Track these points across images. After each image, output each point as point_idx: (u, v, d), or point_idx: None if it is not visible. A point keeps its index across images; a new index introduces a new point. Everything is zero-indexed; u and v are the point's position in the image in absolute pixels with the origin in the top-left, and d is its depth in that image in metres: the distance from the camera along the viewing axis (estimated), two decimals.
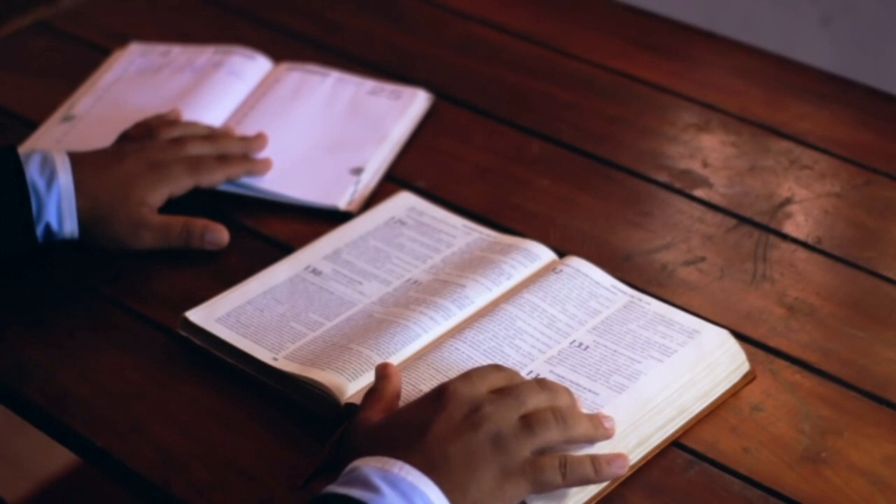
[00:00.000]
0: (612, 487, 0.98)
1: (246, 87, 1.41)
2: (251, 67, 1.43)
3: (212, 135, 1.28)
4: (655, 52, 1.49)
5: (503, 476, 0.92)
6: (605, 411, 1.00)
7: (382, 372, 1.01)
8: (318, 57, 1.47)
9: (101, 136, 1.28)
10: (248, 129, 1.34)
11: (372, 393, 0.99)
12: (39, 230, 1.16)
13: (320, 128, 1.36)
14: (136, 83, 1.41)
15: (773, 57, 1.48)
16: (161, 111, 1.32)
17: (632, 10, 1.56)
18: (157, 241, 1.20)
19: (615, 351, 1.06)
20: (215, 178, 1.24)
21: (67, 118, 1.36)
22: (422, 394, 1.00)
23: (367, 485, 0.89)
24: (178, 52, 1.46)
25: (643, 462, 1.00)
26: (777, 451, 1.01)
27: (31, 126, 1.36)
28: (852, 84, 1.43)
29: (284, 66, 1.44)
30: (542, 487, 0.94)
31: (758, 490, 0.98)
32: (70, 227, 1.17)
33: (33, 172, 1.16)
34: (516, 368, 1.03)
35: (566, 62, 1.48)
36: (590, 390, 1.02)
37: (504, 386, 0.97)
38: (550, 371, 1.05)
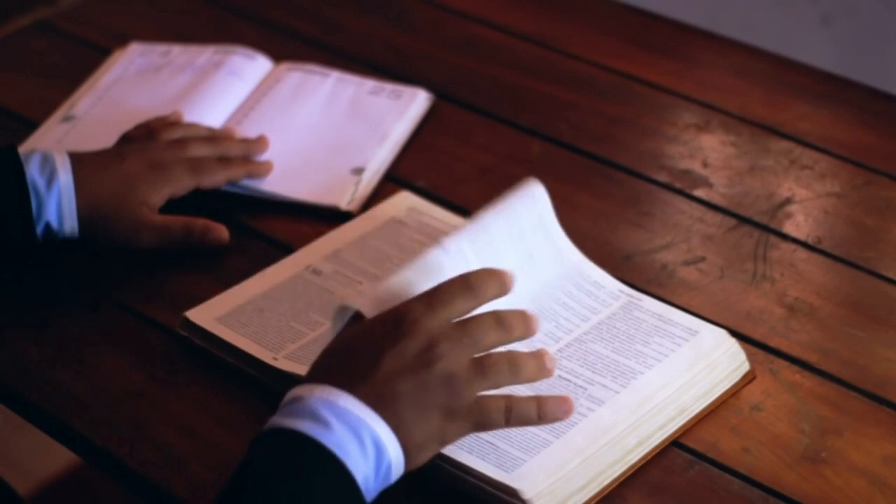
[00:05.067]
0: (613, 487, 0.98)
1: (246, 87, 1.41)
2: (251, 67, 1.43)
3: (213, 136, 1.28)
4: (655, 52, 1.49)
5: (448, 416, 0.92)
6: (605, 410, 1.00)
7: None
8: (318, 57, 1.47)
9: (101, 137, 1.28)
10: (248, 128, 1.34)
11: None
12: (39, 229, 1.16)
13: (321, 128, 1.36)
14: (136, 83, 1.41)
15: (773, 57, 1.48)
16: (161, 111, 1.32)
17: (632, 10, 1.56)
18: (157, 241, 1.20)
19: (615, 350, 1.06)
20: (216, 180, 1.24)
21: (67, 118, 1.36)
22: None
23: (315, 417, 0.89)
24: (178, 52, 1.46)
25: (643, 462, 1.00)
26: (777, 450, 1.01)
27: (31, 126, 1.36)
28: (852, 84, 1.43)
29: (284, 66, 1.44)
30: (484, 428, 0.94)
31: (758, 490, 0.98)
32: (70, 227, 1.17)
33: (33, 172, 1.15)
34: None
35: (566, 62, 1.48)
36: (590, 390, 1.02)
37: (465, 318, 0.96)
38: None
